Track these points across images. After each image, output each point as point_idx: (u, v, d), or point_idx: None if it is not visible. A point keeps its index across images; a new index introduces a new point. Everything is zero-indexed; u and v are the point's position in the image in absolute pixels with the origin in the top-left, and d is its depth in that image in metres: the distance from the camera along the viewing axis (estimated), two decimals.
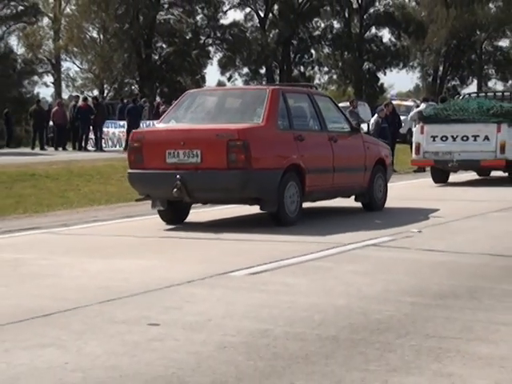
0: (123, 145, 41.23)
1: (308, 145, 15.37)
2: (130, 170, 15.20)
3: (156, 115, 46.61)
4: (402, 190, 18.08)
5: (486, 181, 24.00)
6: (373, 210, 17.10)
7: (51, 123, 44.54)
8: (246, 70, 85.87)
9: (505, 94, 27.17)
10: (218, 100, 16.49)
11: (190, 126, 15.38)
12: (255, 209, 15.42)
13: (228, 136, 14.14)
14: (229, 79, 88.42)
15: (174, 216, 15.45)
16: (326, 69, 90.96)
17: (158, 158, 14.62)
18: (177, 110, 16.22)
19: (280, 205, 14.48)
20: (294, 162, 14.85)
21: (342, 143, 16.39)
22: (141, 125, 41.11)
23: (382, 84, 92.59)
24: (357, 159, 16.78)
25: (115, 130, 42.92)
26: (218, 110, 16.02)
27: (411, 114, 32.10)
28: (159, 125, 16.32)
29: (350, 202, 17.44)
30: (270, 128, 14.79)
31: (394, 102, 40.71)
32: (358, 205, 17.46)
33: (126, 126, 41.49)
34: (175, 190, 14.11)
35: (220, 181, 14.27)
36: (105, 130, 42.93)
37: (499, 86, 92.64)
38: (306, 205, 15.86)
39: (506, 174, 23.22)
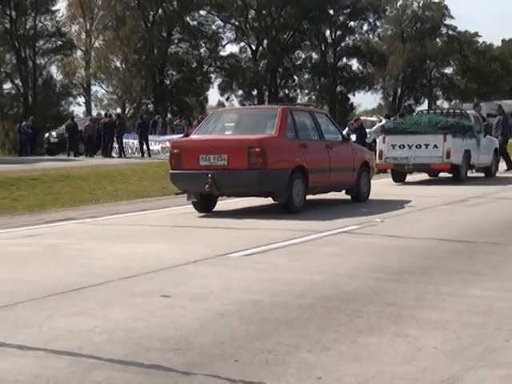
0: (140, 153, 41.41)
1: (310, 151, 15.87)
2: (171, 171, 15.71)
3: (171, 129, 47.28)
4: None
5: (435, 180, 24.01)
6: (359, 201, 17.49)
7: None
8: (240, 92, 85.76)
9: (449, 111, 27.16)
10: (239, 116, 17.01)
11: (218, 136, 15.96)
12: (267, 201, 15.79)
13: (249, 144, 14.70)
14: (227, 99, 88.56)
15: (205, 206, 15.81)
16: (306, 91, 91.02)
17: (194, 161, 15.10)
18: (207, 125, 16.68)
19: (289, 197, 14.99)
20: (300, 164, 15.35)
21: (335, 150, 16.87)
22: (149, 136, 41.78)
23: (352, 103, 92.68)
24: (347, 162, 17.21)
25: (134, 140, 43.07)
26: (239, 124, 16.37)
27: (373, 128, 32.15)
28: (193, 136, 16.64)
29: (342, 195, 17.73)
30: (281, 138, 15.31)
31: (362, 118, 40.76)
32: (348, 197, 17.81)
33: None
34: (207, 185, 14.69)
35: (243, 178, 14.84)
36: (125, 140, 43.02)
37: (445, 105, 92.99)
38: (308, 197, 16.13)
39: (451, 175, 23.30)
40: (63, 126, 46.67)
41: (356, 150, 18.36)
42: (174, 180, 15.83)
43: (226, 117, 17.37)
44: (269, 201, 15.72)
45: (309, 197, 16.13)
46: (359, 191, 17.62)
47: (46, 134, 45.54)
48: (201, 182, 14.79)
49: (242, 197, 16.86)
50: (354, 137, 24.22)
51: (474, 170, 24.67)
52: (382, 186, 19.90)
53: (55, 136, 44.22)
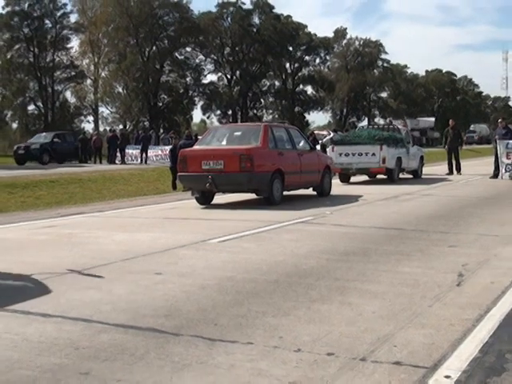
0: (139, 160, 41.25)
1: (286, 158, 16.33)
2: (179, 173, 16.18)
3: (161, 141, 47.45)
4: None
5: (373, 181, 24.09)
6: (323, 196, 17.85)
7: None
8: (218, 112, 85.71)
9: (384, 126, 27.33)
10: (231, 131, 17.29)
11: (216, 146, 16.19)
12: (251, 196, 16.20)
13: (240, 152, 15.19)
14: (207, 118, 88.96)
15: (205, 200, 16.16)
16: (270, 111, 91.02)
17: (197, 165, 15.46)
18: (206, 137, 17.04)
19: (270, 193, 15.51)
20: (278, 168, 15.80)
21: (305, 156, 17.26)
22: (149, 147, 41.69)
23: (307, 120, 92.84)
24: (314, 166, 17.59)
25: (133, 150, 42.93)
26: (232, 137, 16.59)
27: (324, 140, 32.23)
28: (196, 146, 16.94)
29: (309, 192, 17.97)
30: (264, 148, 15.75)
31: (315, 132, 40.90)
32: (314, 192, 18.09)
33: (140, 148, 41.84)
34: (207, 184, 15.19)
35: (235, 179, 15.21)
36: (126, 150, 42.86)
37: (381, 121, 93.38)
38: (285, 192, 16.50)
39: (386, 177, 23.41)
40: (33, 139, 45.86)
41: (320, 156, 18.84)
42: (182, 180, 16.33)
43: (221, 131, 17.69)
44: (254, 195, 16.09)
45: (285, 192, 16.46)
46: (323, 188, 18.00)
47: (15, 147, 44.28)
48: (203, 181, 15.23)
49: (235, 193, 16.98)
50: (318, 146, 24.33)
51: (404, 173, 24.78)
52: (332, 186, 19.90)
53: (22, 148, 43.08)
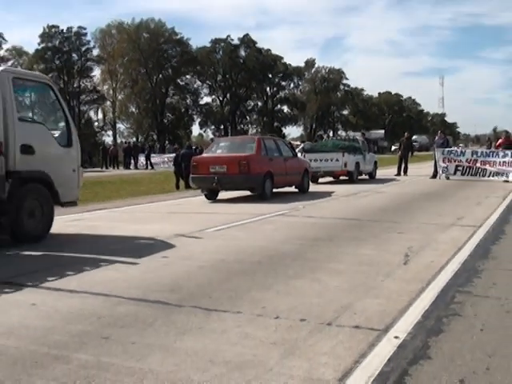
0: (149, 166, 41.19)
1: (275, 162, 16.48)
2: (191, 175, 16.34)
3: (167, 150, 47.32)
4: None
5: (337, 181, 24.04)
6: (303, 192, 18.01)
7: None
8: (213, 127, 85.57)
9: (345, 138, 27.40)
10: (231, 143, 17.62)
11: (220, 154, 16.35)
12: (247, 193, 16.46)
13: (239, 159, 15.45)
14: (204, 131, 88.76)
15: (212, 196, 16.37)
16: (254, 126, 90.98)
17: (205, 169, 15.69)
18: (212, 148, 17.30)
19: (262, 190, 15.75)
20: (269, 170, 16.01)
21: (289, 161, 17.44)
22: (154, 155, 41.83)
23: (284, 133, 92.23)
24: (296, 169, 17.80)
25: (144, 158, 42.92)
26: (232, 147, 16.76)
27: (298, 149, 32.22)
28: (204, 154, 17.18)
29: (292, 189, 17.95)
30: (258, 155, 15.97)
31: (292, 142, 40.89)
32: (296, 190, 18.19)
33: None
34: (214, 184, 15.47)
35: (236, 179, 15.38)
36: (138, 158, 42.84)
37: (343, 134, 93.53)
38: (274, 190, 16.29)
39: (347, 178, 23.41)
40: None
41: (301, 161, 19.09)
42: (194, 180, 16.38)
43: (223, 143, 17.86)
44: (249, 192, 16.31)
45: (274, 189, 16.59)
46: (303, 186, 18.20)
47: None
48: (210, 181, 15.50)
49: (235, 190, 16.91)
50: (299, 154, 24.31)
51: (362, 174, 24.80)
52: None
53: None
